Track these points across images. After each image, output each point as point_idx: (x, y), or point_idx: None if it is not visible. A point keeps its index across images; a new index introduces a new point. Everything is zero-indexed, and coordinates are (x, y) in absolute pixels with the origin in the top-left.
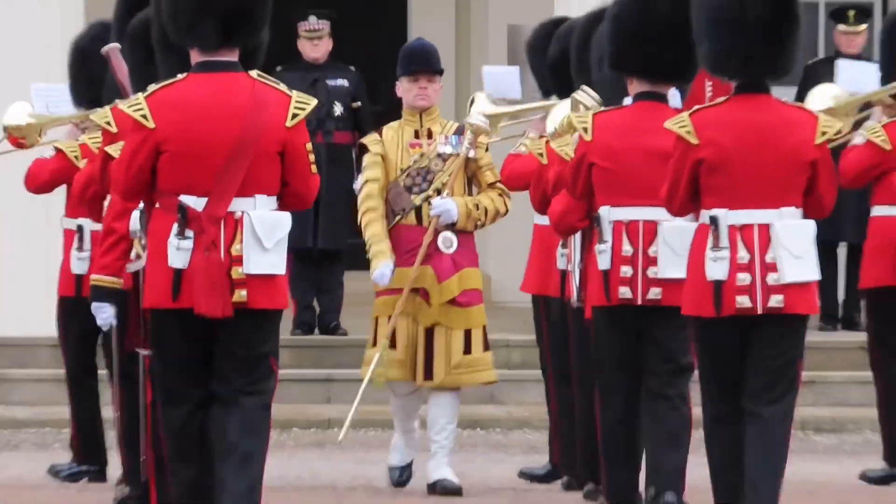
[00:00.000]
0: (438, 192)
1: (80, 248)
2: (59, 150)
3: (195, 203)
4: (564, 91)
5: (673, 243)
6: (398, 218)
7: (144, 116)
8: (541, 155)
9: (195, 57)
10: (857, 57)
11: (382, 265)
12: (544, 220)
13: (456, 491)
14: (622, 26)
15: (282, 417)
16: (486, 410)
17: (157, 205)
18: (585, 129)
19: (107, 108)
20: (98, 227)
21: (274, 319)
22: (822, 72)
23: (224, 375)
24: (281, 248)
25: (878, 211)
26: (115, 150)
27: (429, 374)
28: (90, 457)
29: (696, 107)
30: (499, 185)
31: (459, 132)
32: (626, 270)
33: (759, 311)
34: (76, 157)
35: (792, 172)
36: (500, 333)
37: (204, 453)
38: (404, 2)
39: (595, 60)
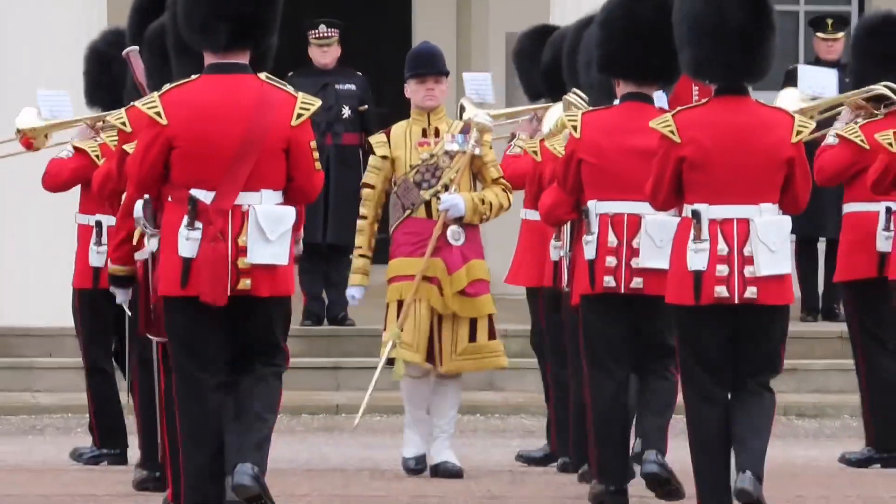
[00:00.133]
0: (446, 187)
1: (98, 243)
2: (78, 150)
3: (204, 196)
4: (557, 94)
5: (655, 235)
6: (408, 212)
7: (158, 114)
8: (535, 153)
9: (208, 59)
10: (836, 63)
11: (353, 288)
12: (531, 215)
13: (457, 473)
14: (609, 31)
15: (292, 403)
16: (485, 397)
17: (169, 198)
18: (575, 128)
19: (122, 110)
20: None
21: (280, 303)
22: None
23: (238, 351)
24: (284, 241)
25: (852, 207)
26: (131, 147)
27: (434, 360)
28: (110, 441)
29: (678, 108)
30: (502, 180)
31: (465, 131)
32: (610, 260)
33: (736, 301)
34: (97, 156)
35: (770, 170)
36: (498, 323)
37: (217, 439)
38: (408, 9)
39: (583, 64)
